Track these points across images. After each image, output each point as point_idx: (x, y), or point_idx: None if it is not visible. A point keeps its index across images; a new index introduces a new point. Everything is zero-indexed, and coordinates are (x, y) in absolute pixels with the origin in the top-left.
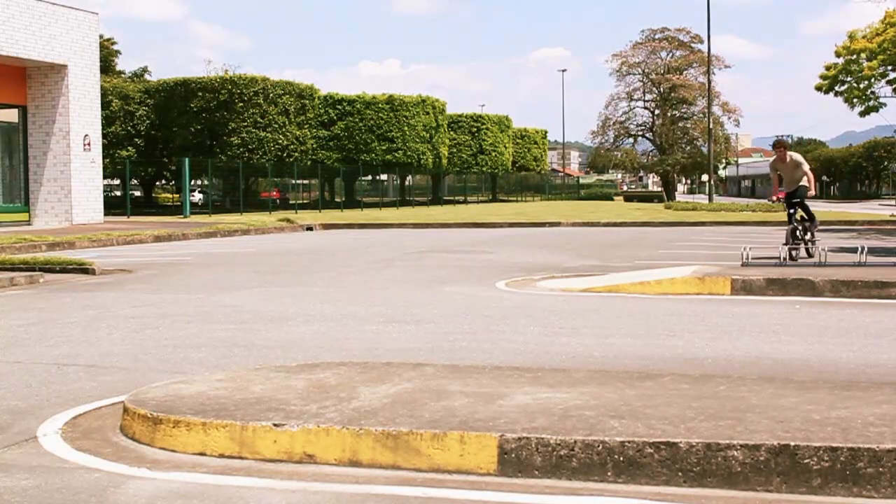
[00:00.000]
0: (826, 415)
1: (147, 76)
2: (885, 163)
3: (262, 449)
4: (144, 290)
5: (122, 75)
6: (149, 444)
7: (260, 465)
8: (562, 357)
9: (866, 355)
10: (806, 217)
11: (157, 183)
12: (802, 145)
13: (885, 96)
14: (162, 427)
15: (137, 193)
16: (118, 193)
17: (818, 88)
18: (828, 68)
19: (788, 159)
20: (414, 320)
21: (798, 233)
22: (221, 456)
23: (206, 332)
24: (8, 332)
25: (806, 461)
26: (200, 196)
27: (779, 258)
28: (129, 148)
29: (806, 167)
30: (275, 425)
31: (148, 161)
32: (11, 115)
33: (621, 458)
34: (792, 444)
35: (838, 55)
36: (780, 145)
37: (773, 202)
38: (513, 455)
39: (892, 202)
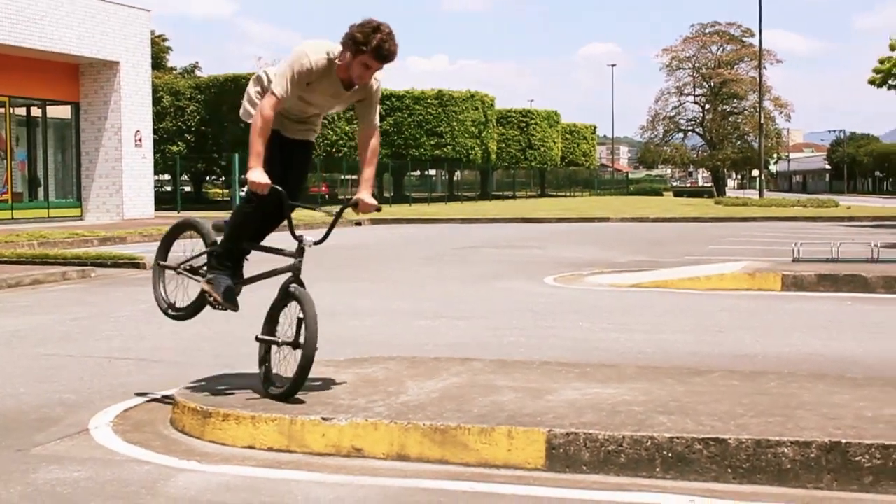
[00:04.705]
0: (878, 412)
1: (197, 72)
2: None
3: (310, 443)
4: None
5: (174, 71)
6: (198, 437)
7: (308, 458)
8: (610, 353)
9: None
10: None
11: (207, 178)
12: (855, 139)
13: None
14: (211, 420)
15: (188, 188)
16: (168, 188)
17: (871, 82)
18: (881, 62)
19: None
20: (462, 315)
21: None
22: (270, 449)
23: (256, 326)
24: (61, 326)
25: (857, 458)
26: None
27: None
28: (180, 143)
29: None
30: (323, 419)
31: (198, 156)
32: (64, 112)
33: (670, 454)
34: (843, 441)
35: (892, 48)
36: (378, 33)
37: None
38: (561, 450)
39: None
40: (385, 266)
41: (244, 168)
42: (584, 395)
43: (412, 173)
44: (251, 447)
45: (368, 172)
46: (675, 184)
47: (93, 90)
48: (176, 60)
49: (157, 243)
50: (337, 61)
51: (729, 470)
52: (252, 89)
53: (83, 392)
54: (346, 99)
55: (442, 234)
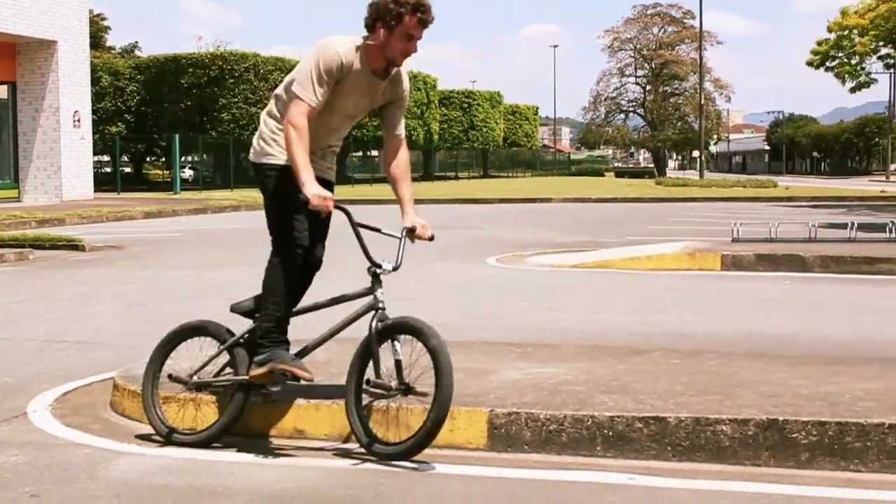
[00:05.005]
0: (815, 390)
1: (137, 52)
2: (876, 139)
3: (252, 424)
4: (135, 266)
5: (113, 51)
6: (139, 420)
7: (250, 440)
8: (553, 332)
9: (855, 331)
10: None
11: (148, 159)
12: (794, 121)
13: (877, 72)
14: None
15: (128, 170)
16: (108, 170)
17: (809, 63)
18: (819, 43)
19: (404, 79)
20: (404, 296)
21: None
22: None
23: (197, 308)
24: None
25: (794, 435)
26: (191, 172)
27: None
28: (119, 124)
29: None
30: (265, 401)
31: (138, 137)
32: (1, 92)
33: (610, 433)
34: (780, 418)
35: (830, 31)
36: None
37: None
38: (502, 430)
39: (883, 178)
40: (328, 247)
41: (186, 148)
42: (526, 375)
43: (354, 154)
44: (193, 429)
45: (409, 191)
46: (616, 165)
47: (30, 70)
48: (115, 40)
49: (96, 225)
50: (370, 42)
51: (669, 448)
52: (269, 124)
53: (21, 376)
54: (380, 94)
55: (383, 215)
